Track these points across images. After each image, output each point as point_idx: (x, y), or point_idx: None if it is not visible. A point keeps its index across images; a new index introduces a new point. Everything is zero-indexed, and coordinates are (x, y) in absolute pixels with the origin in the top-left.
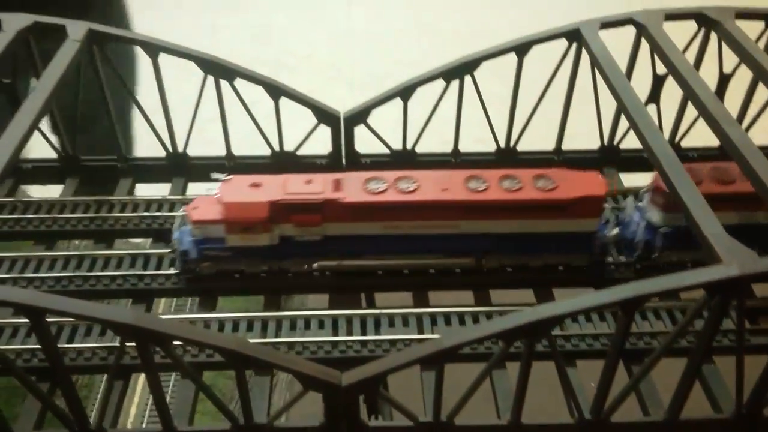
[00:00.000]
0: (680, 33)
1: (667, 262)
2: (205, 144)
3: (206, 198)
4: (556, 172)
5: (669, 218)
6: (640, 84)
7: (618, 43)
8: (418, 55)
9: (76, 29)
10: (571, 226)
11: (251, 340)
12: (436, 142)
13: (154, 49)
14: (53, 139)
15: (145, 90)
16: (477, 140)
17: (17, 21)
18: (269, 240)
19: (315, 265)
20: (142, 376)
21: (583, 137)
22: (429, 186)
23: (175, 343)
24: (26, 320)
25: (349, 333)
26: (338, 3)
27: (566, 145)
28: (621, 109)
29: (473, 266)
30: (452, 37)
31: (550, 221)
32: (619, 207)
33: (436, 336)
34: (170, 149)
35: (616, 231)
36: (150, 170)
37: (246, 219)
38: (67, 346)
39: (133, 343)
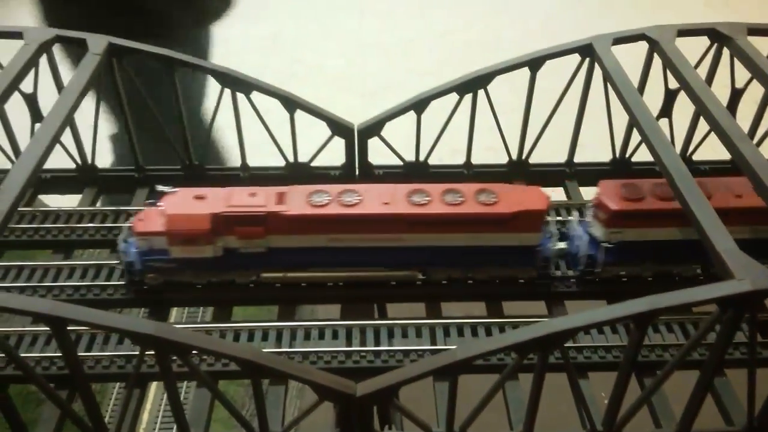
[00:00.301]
0: (692, 48)
1: (609, 277)
2: (217, 150)
3: (153, 210)
4: (500, 187)
5: (611, 234)
6: (653, 98)
7: (631, 57)
8: (430, 64)
9: (97, 43)
10: (513, 239)
11: (266, 350)
12: (446, 151)
13: (171, 62)
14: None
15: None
16: (488, 148)
17: (39, 34)
18: (213, 252)
19: (255, 277)
20: (154, 383)
21: (594, 147)
22: (372, 199)
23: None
24: (45, 329)
25: (363, 343)
26: (350, 13)
27: (577, 155)
28: (633, 123)
29: (414, 279)
30: (463, 46)
31: (492, 235)
32: (565, 221)
33: (449, 347)
34: (186, 160)
35: (560, 245)
36: (167, 180)
37: (188, 231)
38: (85, 354)
39: (152, 352)
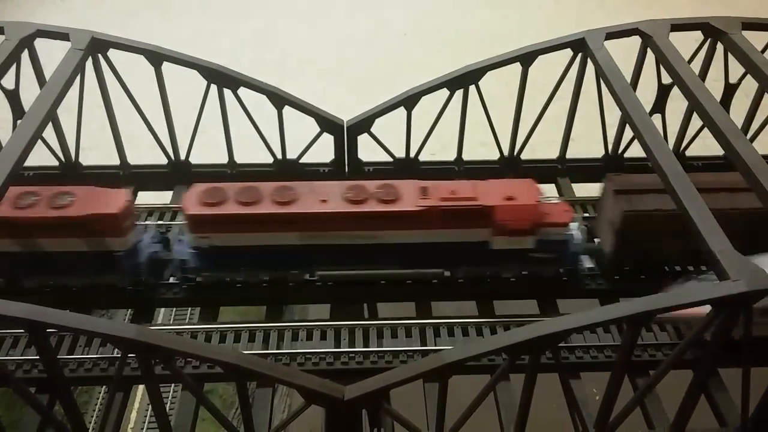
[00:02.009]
0: (686, 43)
1: (213, 283)
2: (202, 147)
3: None
4: (85, 189)
5: (198, 239)
6: (646, 93)
7: (623, 52)
8: (420, 58)
9: (80, 37)
10: (93, 244)
11: (253, 351)
12: (435, 146)
13: (157, 57)
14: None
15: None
16: (481, 143)
17: (20, 29)
18: None
19: None
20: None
21: (587, 143)
22: None
23: None
24: None
25: (352, 344)
26: (340, 8)
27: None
28: (626, 119)
29: None
30: (454, 41)
31: (73, 240)
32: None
33: (439, 347)
34: (172, 157)
35: (156, 251)
36: (152, 178)
37: None
38: (67, 357)
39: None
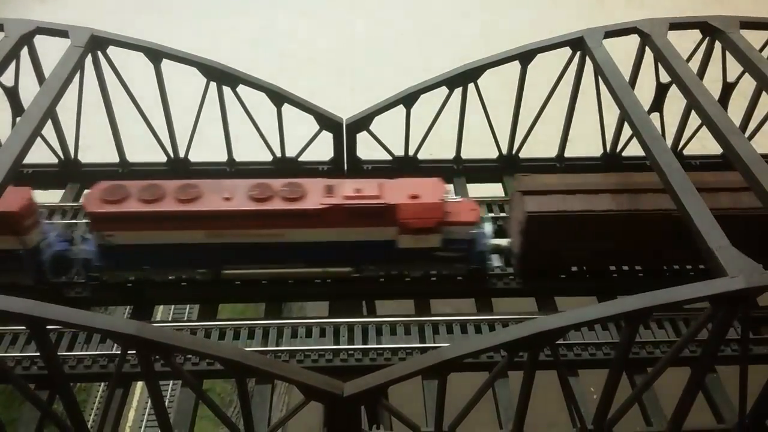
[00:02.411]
0: (685, 41)
1: (120, 281)
2: (201, 145)
3: None
4: None
5: (102, 237)
6: (643, 92)
7: (621, 50)
8: (419, 59)
9: (79, 34)
10: (7, 243)
11: (253, 348)
12: (435, 145)
13: (156, 55)
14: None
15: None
16: (479, 142)
17: (20, 26)
18: None
19: None
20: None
21: (586, 142)
22: None
23: None
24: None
25: (351, 341)
26: (340, 8)
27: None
28: (624, 118)
29: None
30: (452, 41)
31: None
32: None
33: (438, 345)
34: (171, 154)
35: (63, 248)
36: (151, 175)
37: None
38: (67, 354)
39: (134, 352)
